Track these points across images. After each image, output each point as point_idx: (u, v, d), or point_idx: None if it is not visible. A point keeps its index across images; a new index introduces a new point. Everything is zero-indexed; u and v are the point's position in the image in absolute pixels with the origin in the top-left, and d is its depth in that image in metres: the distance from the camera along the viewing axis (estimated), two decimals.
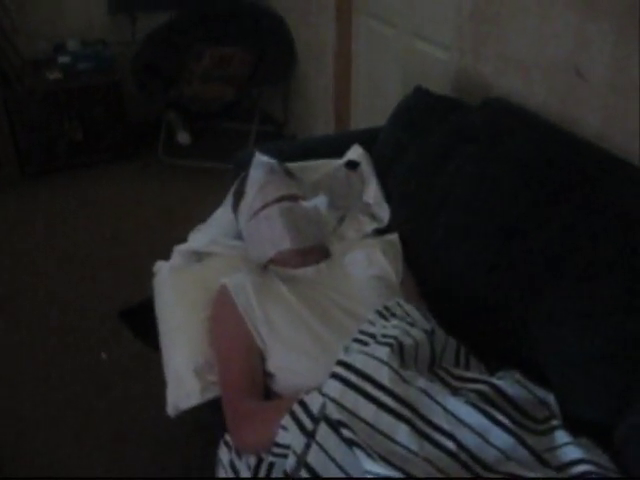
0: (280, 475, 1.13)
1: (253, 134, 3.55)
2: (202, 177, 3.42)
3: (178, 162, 3.58)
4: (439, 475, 1.03)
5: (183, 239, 1.85)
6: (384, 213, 1.83)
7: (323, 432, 1.07)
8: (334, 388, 1.13)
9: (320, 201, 1.62)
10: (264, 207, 1.59)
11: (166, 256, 1.80)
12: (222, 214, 1.88)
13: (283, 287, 1.47)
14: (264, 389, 1.37)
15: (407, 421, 1.08)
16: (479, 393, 1.14)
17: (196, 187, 3.33)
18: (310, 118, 3.50)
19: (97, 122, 3.52)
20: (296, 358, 1.35)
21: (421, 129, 1.86)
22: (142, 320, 1.83)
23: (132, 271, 2.62)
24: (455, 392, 1.16)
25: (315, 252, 1.60)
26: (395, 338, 1.21)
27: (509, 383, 1.18)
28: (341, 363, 1.17)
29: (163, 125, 3.69)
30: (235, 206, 1.71)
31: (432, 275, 1.62)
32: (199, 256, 1.78)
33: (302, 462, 1.06)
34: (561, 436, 1.12)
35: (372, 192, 1.87)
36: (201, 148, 3.73)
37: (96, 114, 3.49)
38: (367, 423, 1.08)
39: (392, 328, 1.27)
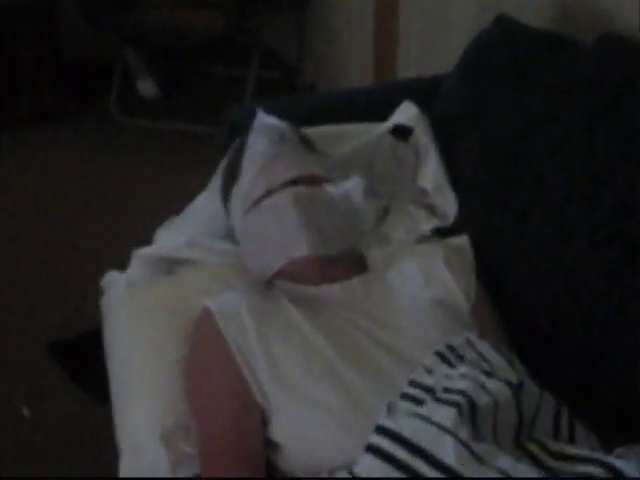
0: None
1: (252, 83, 3.56)
2: (175, 146, 3.43)
3: (139, 123, 3.61)
4: None
5: (147, 239, 1.86)
6: (448, 205, 1.83)
7: None
8: (371, 466, 1.13)
9: (353, 185, 1.62)
10: (269, 193, 1.60)
11: (121, 265, 1.81)
12: (205, 203, 1.89)
13: (296, 314, 1.48)
14: (265, 466, 1.37)
15: None
16: (590, 479, 1.13)
17: (166, 161, 3.35)
18: (337, 61, 3.50)
19: (20, 62, 3.53)
20: (314, 420, 1.35)
21: (505, 80, 1.86)
22: (83, 358, 1.84)
23: (71, 285, 2.64)
24: (554, 476, 1.15)
25: (344, 262, 1.61)
26: (464, 394, 1.21)
27: (634, 465, 1.17)
28: (382, 430, 1.17)
29: (117, 69, 3.71)
30: (225, 191, 1.72)
31: (518, 299, 1.62)
32: (170, 265, 1.79)
33: None
34: None
35: (431, 173, 1.87)
36: (173, 103, 3.75)
37: (19, 50, 3.51)
38: None
39: (459, 379, 1.27)
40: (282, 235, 1.57)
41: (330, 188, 1.62)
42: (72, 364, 1.92)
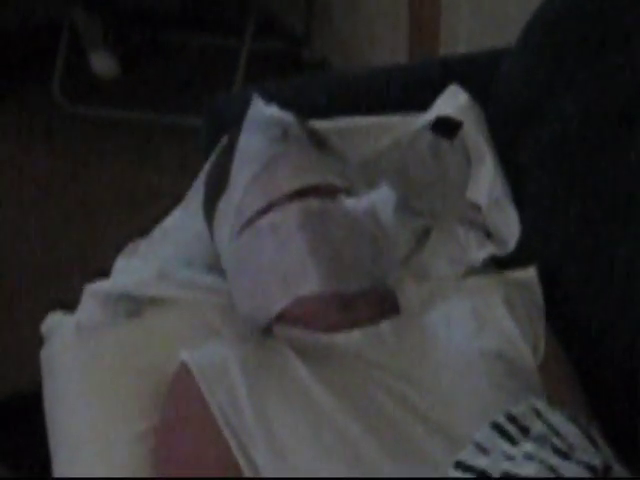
0: None
1: (244, 59, 3.57)
2: (140, 144, 3.43)
3: (92, 111, 3.61)
4: None
5: (103, 269, 1.86)
6: (509, 226, 1.83)
7: None
8: None
9: (381, 199, 1.63)
10: (269, 209, 1.60)
11: (69, 303, 1.81)
12: (181, 222, 1.91)
13: (303, 371, 1.48)
14: None
15: None
16: None
17: (129, 164, 3.34)
18: (358, 29, 3.51)
19: None
20: None
21: (589, 54, 1.85)
22: (16, 430, 1.85)
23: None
24: None
25: (368, 302, 1.61)
26: None
27: None
28: None
29: (63, 37, 3.72)
30: (210, 206, 1.73)
31: (604, 354, 1.62)
32: (135, 304, 1.79)
33: None
34: None
35: (485, 182, 1.87)
36: (138, 85, 3.75)
37: None
38: None
39: (524, 460, 1.27)
40: (285, 265, 1.57)
41: (350, 202, 1.63)
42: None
